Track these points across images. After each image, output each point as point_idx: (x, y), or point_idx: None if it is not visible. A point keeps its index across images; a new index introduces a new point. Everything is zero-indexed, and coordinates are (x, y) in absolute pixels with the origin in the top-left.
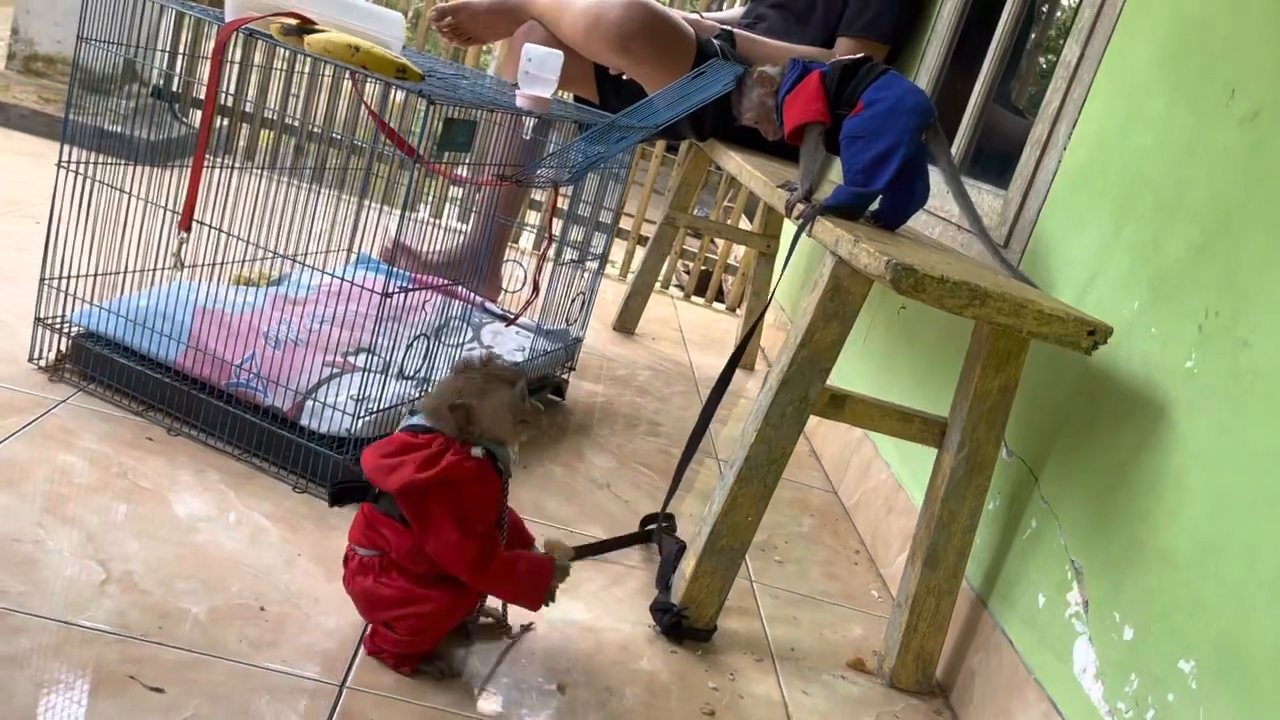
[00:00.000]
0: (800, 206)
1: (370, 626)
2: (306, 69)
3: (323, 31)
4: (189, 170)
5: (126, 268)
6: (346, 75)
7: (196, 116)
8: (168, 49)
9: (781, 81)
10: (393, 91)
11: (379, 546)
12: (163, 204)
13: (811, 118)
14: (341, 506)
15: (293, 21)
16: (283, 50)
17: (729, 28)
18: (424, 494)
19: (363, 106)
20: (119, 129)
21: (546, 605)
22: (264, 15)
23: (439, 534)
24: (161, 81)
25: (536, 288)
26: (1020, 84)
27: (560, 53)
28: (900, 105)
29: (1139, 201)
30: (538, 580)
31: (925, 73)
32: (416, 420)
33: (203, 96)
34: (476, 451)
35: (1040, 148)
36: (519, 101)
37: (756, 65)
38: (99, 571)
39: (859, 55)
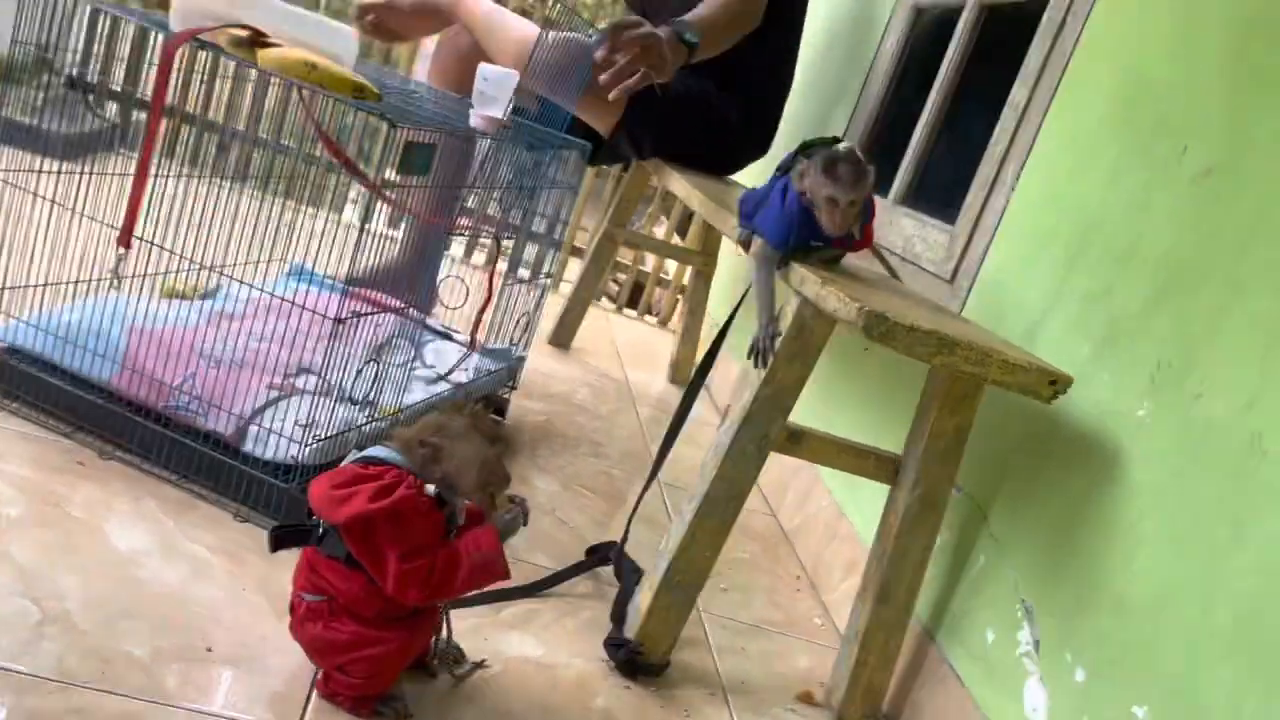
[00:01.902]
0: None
1: (322, 669)
2: (252, 78)
3: (275, 45)
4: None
5: (56, 280)
6: (296, 92)
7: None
8: (80, 47)
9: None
10: (332, 104)
11: (325, 591)
12: (84, 212)
13: None
14: (282, 551)
15: (243, 33)
16: (230, 62)
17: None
18: (371, 525)
19: (311, 126)
20: (32, 121)
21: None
22: (214, 27)
23: (386, 566)
24: (75, 72)
25: (490, 296)
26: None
27: (515, 73)
28: None
29: (1090, 249)
30: (489, 558)
31: (866, 104)
32: (371, 452)
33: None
34: (429, 489)
35: (988, 187)
36: (474, 121)
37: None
38: (34, 611)
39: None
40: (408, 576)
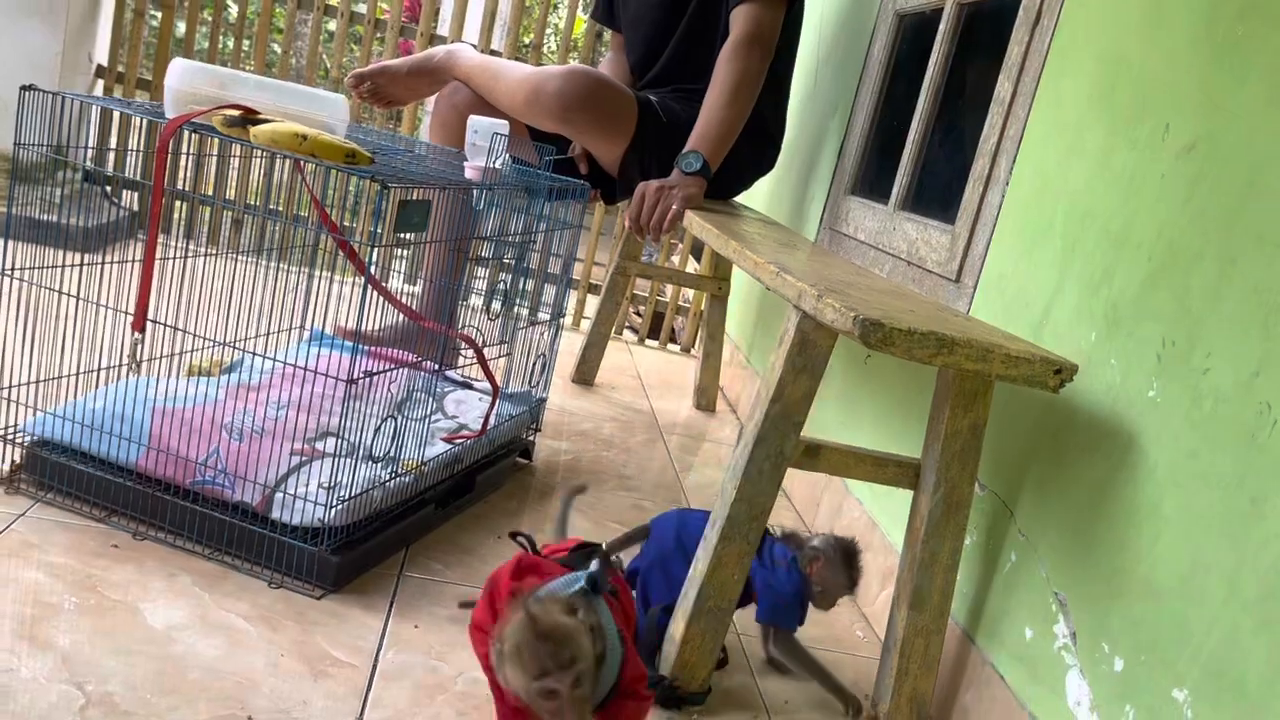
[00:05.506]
0: None
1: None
2: (241, 152)
3: (267, 121)
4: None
5: (77, 370)
6: (291, 162)
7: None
8: (95, 144)
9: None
10: (326, 172)
11: None
12: (107, 303)
13: None
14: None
15: (235, 112)
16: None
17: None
18: None
19: (305, 190)
20: (52, 218)
21: None
22: (206, 110)
23: None
24: (92, 164)
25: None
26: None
27: (506, 123)
28: None
29: (1086, 234)
30: None
31: (859, 114)
32: None
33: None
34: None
35: (983, 183)
36: (468, 173)
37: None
38: (77, 696)
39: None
40: None
